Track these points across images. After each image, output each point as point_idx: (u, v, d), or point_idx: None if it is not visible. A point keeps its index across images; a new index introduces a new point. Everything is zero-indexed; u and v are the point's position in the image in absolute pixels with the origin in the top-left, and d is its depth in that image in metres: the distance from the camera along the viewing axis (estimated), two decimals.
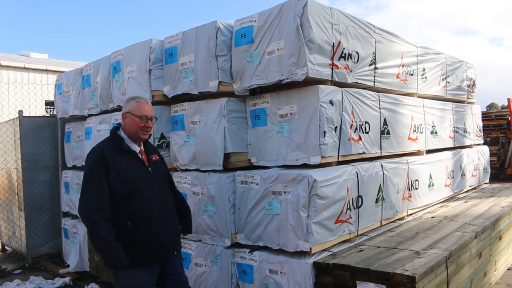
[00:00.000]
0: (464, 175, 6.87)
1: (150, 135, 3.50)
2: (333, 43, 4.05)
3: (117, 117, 5.36)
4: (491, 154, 14.03)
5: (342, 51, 4.20)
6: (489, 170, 8.23)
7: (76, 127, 6.51)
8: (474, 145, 7.66)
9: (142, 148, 3.34)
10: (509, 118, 14.62)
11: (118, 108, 5.41)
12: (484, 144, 8.42)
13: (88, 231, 3.18)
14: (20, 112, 6.88)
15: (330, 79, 4.06)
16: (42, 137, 6.95)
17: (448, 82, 6.71)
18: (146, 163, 3.29)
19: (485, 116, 16.29)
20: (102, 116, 5.76)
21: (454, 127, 6.76)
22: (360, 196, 4.25)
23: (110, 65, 5.54)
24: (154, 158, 3.39)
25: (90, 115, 6.07)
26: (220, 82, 4.35)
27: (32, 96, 9.16)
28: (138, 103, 3.26)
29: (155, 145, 4.73)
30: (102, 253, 3.06)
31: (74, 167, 6.61)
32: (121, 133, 3.26)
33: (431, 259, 3.55)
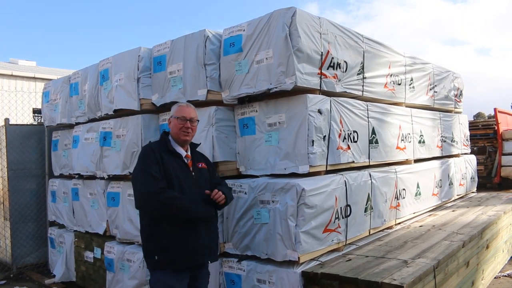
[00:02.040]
0: (452, 184, 6.92)
1: (198, 144, 3.61)
2: (322, 52, 4.07)
3: (105, 126, 5.33)
4: (478, 163, 14.19)
5: (331, 61, 4.22)
6: (476, 179, 8.30)
7: (63, 135, 6.45)
8: (462, 154, 7.72)
9: (189, 153, 3.41)
10: (496, 128, 14.79)
11: (106, 117, 5.38)
12: (471, 153, 8.50)
13: (167, 209, 3.09)
14: (7, 120, 6.80)
15: (319, 88, 4.07)
16: (28, 145, 6.86)
17: (436, 92, 6.78)
18: (191, 168, 3.34)
19: (472, 125, 16.47)
20: (90, 124, 5.71)
21: (441, 136, 6.82)
22: (349, 205, 4.25)
23: (98, 73, 5.50)
24: (200, 165, 3.44)
25: (77, 123, 6.02)
26: (208, 91, 4.34)
27: (20, 104, 9.05)
28: (179, 107, 3.42)
29: None
30: (194, 214, 3.17)
31: (61, 176, 6.53)
32: (169, 137, 3.38)
33: (419, 268, 3.55)
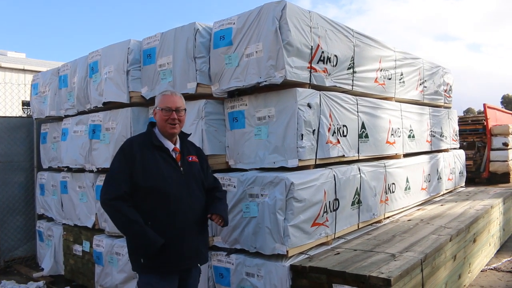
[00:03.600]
0: (441, 178, 6.97)
1: (189, 134, 3.34)
2: (312, 46, 4.07)
3: (94, 118, 5.29)
4: (467, 158, 14.34)
5: (321, 55, 4.22)
6: (464, 173, 8.37)
7: (52, 128, 6.40)
8: (451, 149, 7.78)
9: (178, 146, 3.15)
10: (485, 123, 14.92)
11: (95, 109, 5.34)
12: (460, 148, 8.57)
13: (113, 220, 2.98)
14: None
15: (308, 82, 4.07)
16: (17, 137, 6.79)
17: (426, 87, 6.81)
18: (179, 162, 3.10)
19: (462, 120, 16.61)
20: (79, 117, 5.67)
21: (431, 131, 6.86)
22: (337, 199, 4.26)
23: (87, 65, 5.45)
24: (191, 159, 3.17)
25: (66, 116, 5.97)
26: (198, 84, 4.32)
27: (8, 96, 8.94)
28: (163, 96, 3.12)
29: None
30: (133, 239, 2.95)
31: (50, 169, 6.49)
32: (156, 129, 3.13)
33: (407, 261, 3.58)
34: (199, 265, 3.21)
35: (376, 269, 3.38)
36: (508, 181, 14.45)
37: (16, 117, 7.89)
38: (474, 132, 16.01)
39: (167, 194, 2.96)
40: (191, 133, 3.43)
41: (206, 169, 3.32)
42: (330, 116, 4.28)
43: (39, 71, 8.70)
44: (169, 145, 3.10)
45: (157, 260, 2.94)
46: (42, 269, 6.14)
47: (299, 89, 3.91)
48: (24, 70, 17.01)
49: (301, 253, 3.88)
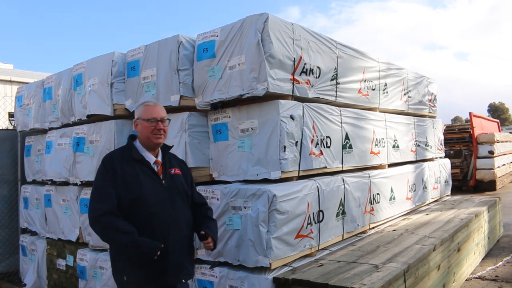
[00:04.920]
0: (426, 188, 7.02)
1: (171, 146, 3.27)
2: (294, 58, 4.10)
3: (78, 131, 5.26)
4: (455, 167, 14.52)
5: (304, 66, 4.25)
6: (450, 182, 8.43)
7: (36, 141, 6.35)
8: (436, 158, 7.84)
9: (160, 159, 3.09)
10: (471, 132, 15.11)
11: (80, 122, 5.32)
12: (447, 156, 8.64)
13: (104, 237, 2.91)
14: None
15: (291, 94, 4.10)
16: (1, 150, 6.71)
17: (410, 97, 6.88)
18: (161, 175, 3.04)
19: (449, 129, 16.83)
20: (63, 129, 5.63)
21: (416, 141, 6.92)
22: (321, 211, 4.27)
23: (72, 77, 5.44)
24: (173, 171, 3.11)
25: (51, 129, 5.93)
26: (181, 97, 4.33)
27: None
28: (146, 106, 3.07)
29: None
30: (131, 249, 2.82)
31: (34, 182, 6.42)
32: (136, 142, 3.07)
33: (389, 272, 3.59)
34: (183, 281, 3.11)
35: (358, 280, 3.38)
36: (494, 189, 14.63)
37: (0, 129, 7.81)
38: (461, 141, 16.23)
39: (148, 208, 2.90)
40: (173, 145, 3.39)
41: (191, 183, 3.28)
42: (313, 127, 4.30)
43: (27, 83, 8.64)
44: (151, 158, 3.05)
45: (140, 277, 2.88)
46: (25, 285, 6.05)
47: (282, 101, 3.93)
48: (11, 82, 16.92)
49: (285, 265, 3.87)
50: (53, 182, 5.79)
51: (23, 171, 6.66)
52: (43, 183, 6.14)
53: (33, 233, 6.32)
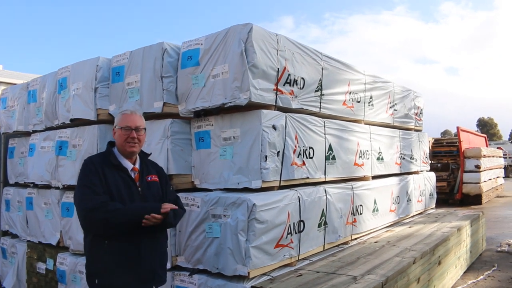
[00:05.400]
0: (410, 200, 7.06)
1: (149, 154, 3.32)
2: (278, 68, 4.12)
3: (61, 135, 5.23)
4: (442, 180, 14.63)
5: (288, 77, 4.27)
6: (435, 195, 8.48)
7: (20, 143, 6.30)
8: (421, 171, 7.89)
9: (137, 166, 3.12)
10: (459, 146, 15.25)
11: (63, 126, 5.29)
12: (435, 169, 8.70)
13: (109, 223, 2.81)
14: None
15: (274, 104, 4.11)
16: None
17: (396, 110, 6.94)
18: (138, 182, 3.06)
19: (437, 142, 16.98)
20: (46, 132, 5.60)
21: (401, 153, 6.96)
22: (302, 221, 4.27)
23: (56, 81, 5.41)
24: (150, 178, 3.13)
25: (34, 131, 5.89)
26: (165, 103, 4.33)
27: None
28: (122, 115, 3.11)
29: None
30: (135, 218, 2.84)
31: (16, 184, 6.35)
32: (115, 149, 3.10)
33: (367, 285, 3.60)
34: (154, 287, 3.10)
35: None
36: (480, 203, 14.75)
37: None
38: (449, 154, 16.37)
39: None
40: (151, 153, 3.40)
41: (165, 186, 3.27)
42: (296, 138, 4.32)
43: (16, 83, 8.59)
44: (128, 165, 3.08)
45: (112, 281, 2.88)
46: None
47: (264, 110, 3.94)
48: (0, 82, 16.79)
49: (264, 274, 3.86)
50: (35, 185, 5.74)
51: (5, 173, 6.59)
52: (25, 185, 6.09)
53: (14, 236, 6.25)
